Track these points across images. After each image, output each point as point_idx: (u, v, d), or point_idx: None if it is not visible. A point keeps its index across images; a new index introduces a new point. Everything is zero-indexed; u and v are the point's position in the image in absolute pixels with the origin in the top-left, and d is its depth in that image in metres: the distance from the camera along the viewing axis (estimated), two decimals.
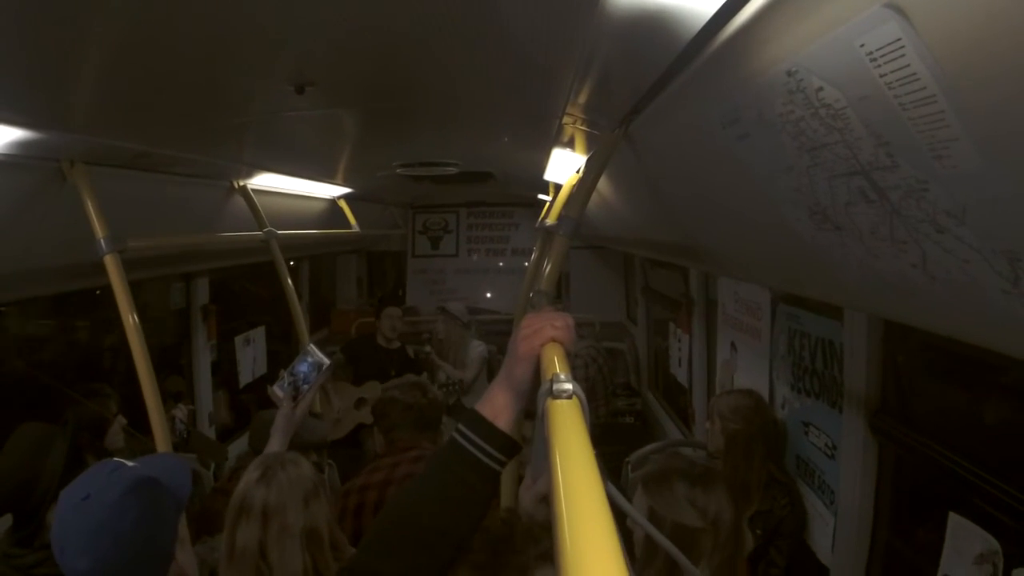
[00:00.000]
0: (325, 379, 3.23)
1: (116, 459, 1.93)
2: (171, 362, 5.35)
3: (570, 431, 1.01)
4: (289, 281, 4.94)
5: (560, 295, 8.43)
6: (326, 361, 3.17)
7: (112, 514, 1.74)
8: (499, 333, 7.33)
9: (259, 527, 2.25)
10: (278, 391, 3.09)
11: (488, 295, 9.09)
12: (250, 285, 7.13)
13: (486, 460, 1.48)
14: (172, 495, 1.90)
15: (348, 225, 6.60)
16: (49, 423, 3.23)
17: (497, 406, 1.52)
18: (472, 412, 1.54)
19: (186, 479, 1.98)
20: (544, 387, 1.18)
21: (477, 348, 6.96)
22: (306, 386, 3.09)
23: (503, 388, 1.53)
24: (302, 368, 3.13)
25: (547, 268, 2.70)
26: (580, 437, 0.98)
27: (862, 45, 0.90)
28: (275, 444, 2.92)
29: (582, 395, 1.16)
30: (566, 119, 2.68)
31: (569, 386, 1.15)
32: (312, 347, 3.24)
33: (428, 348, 6.84)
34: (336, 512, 3.01)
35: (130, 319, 2.86)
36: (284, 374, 3.17)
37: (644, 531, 1.62)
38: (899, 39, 0.83)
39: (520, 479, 3.19)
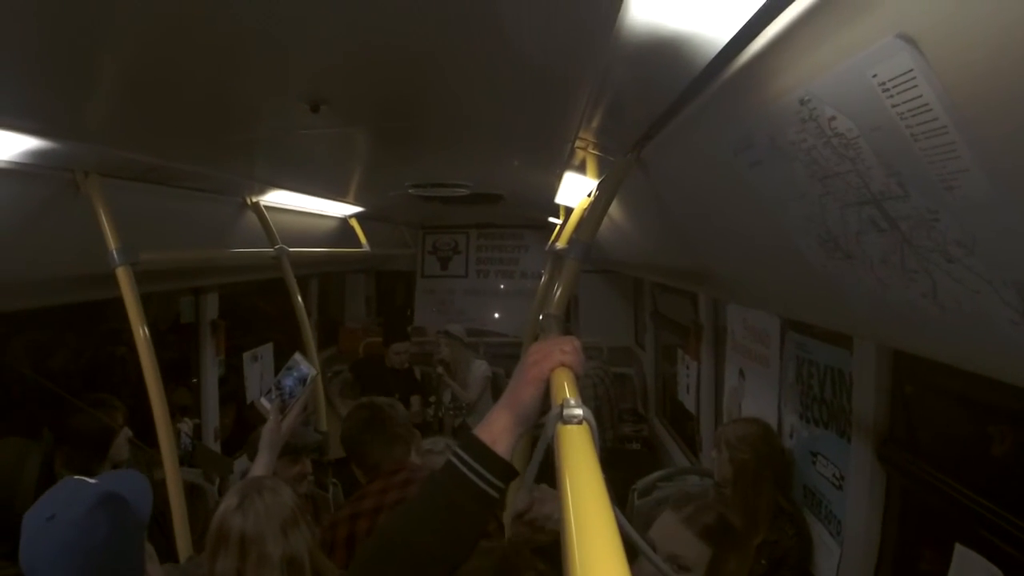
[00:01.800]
0: (311, 389, 3.14)
1: (77, 477, 1.90)
2: (175, 376, 5.35)
3: (580, 457, 1.01)
4: (299, 298, 4.95)
5: (569, 319, 8.42)
6: (312, 372, 3.08)
7: (80, 532, 1.71)
8: (507, 356, 7.32)
9: (237, 557, 2.20)
10: (265, 403, 3.01)
11: (496, 317, 9.08)
12: (259, 301, 7.14)
13: (482, 485, 1.46)
14: (135, 511, 1.86)
15: (358, 244, 6.62)
16: (34, 436, 3.25)
17: (496, 430, 1.50)
18: (470, 436, 1.52)
19: (147, 495, 1.92)
20: (554, 412, 1.18)
21: (480, 368, 6.96)
22: (292, 399, 3.00)
23: (505, 412, 1.52)
24: (287, 382, 3.04)
25: (557, 291, 2.69)
26: (590, 463, 0.98)
27: (875, 75, 0.90)
28: (262, 459, 2.85)
29: (592, 421, 1.16)
30: (578, 143, 2.69)
31: (579, 411, 1.15)
32: (298, 357, 3.15)
33: (440, 369, 6.84)
34: (327, 544, 2.92)
35: (140, 331, 2.86)
36: (271, 386, 3.09)
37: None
38: (911, 70, 0.84)
39: None
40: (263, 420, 2.99)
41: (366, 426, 3.21)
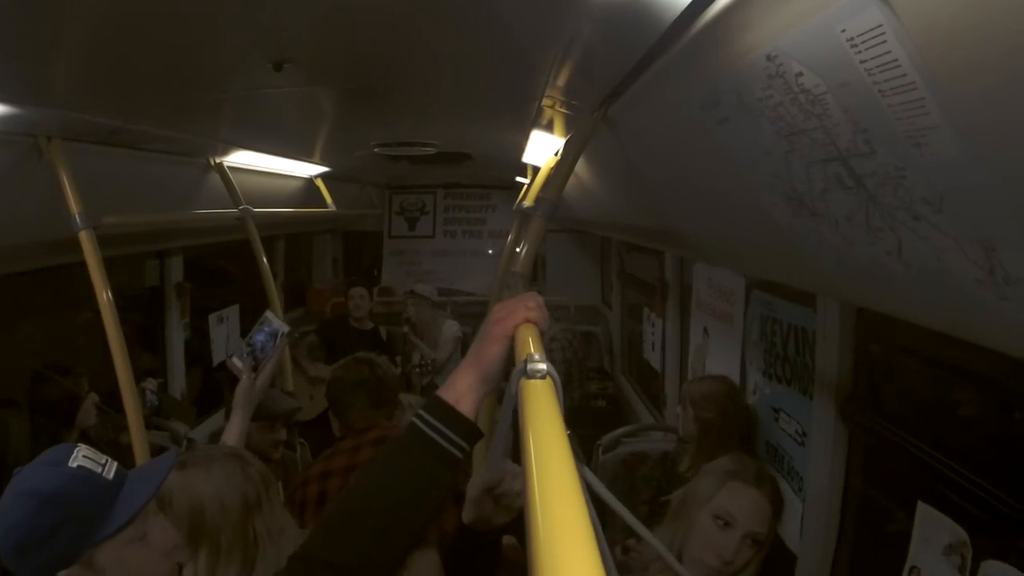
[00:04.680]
0: (284, 347, 3.10)
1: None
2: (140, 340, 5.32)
3: (544, 412, 1.01)
4: (264, 260, 4.92)
5: (536, 278, 8.42)
6: (284, 328, 3.03)
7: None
8: (475, 315, 7.32)
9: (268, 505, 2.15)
10: (237, 362, 2.95)
11: (464, 276, 9.06)
12: (225, 263, 7.09)
13: (446, 445, 1.46)
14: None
15: (324, 204, 6.58)
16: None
17: (460, 389, 1.50)
18: (434, 396, 1.52)
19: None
20: (518, 367, 1.18)
21: (451, 328, 6.97)
22: (264, 357, 2.95)
23: (469, 370, 1.52)
24: (259, 338, 2.99)
25: (523, 250, 2.69)
26: (554, 418, 0.98)
27: (843, 31, 0.90)
28: (236, 418, 2.81)
29: (556, 376, 1.16)
30: (545, 101, 2.68)
31: (543, 366, 1.15)
32: (269, 314, 3.11)
33: (406, 328, 6.83)
34: (297, 502, 2.94)
35: (104, 296, 2.84)
36: (243, 344, 3.04)
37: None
38: (880, 25, 0.84)
39: None
40: (230, 382, 2.96)
41: (362, 383, 3.21)
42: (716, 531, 2.27)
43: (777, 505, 2.31)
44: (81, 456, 1.74)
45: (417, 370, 6.72)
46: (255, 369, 2.90)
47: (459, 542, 1.94)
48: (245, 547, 2.10)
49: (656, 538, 2.26)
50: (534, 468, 0.83)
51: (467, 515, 1.94)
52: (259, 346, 2.95)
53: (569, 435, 0.92)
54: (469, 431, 1.49)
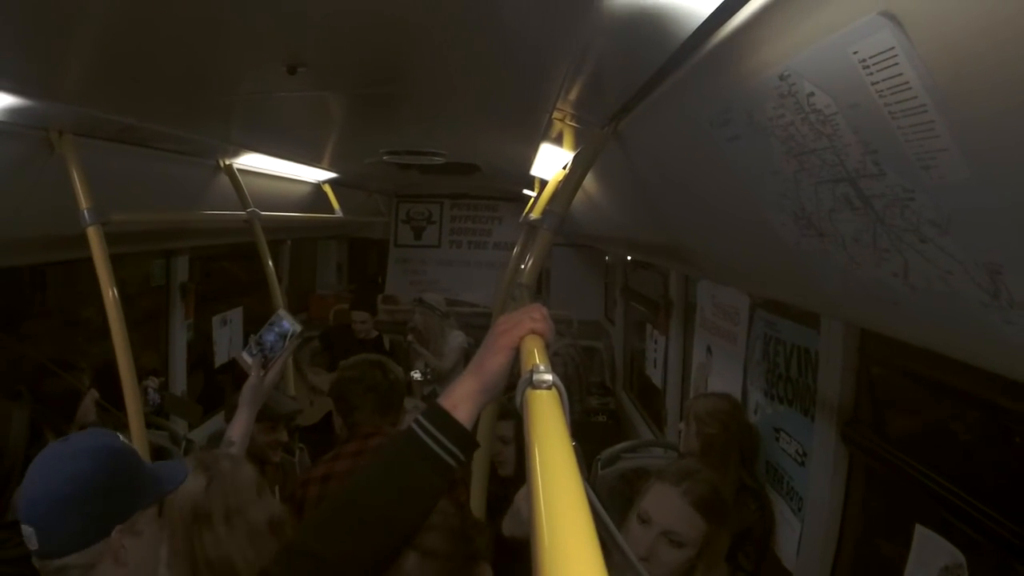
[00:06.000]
0: (295, 347, 3.10)
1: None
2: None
3: (549, 422, 1.01)
4: (270, 263, 4.93)
5: (540, 291, 8.42)
6: (296, 328, 3.02)
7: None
8: (478, 326, 7.33)
9: (226, 531, 2.10)
10: (247, 357, 2.96)
11: (468, 287, 9.06)
12: (230, 266, 7.10)
13: (438, 451, 1.47)
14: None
15: (331, 210, 6.58)
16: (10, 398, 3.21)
17: (458, 397, 1.51)
18: (432, 403, 1.53)
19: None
20: (524, 378, 1.18)
21: (456, 338, 6.96)
22: (273, 355, 2.95)
23: (470, 378, 1.53)
24: (269, 338, 2.99)
25: (529, 262, 2.70)
26: (559, 428, 0.98)
27: (855, 52, 0.91)
28: (242, 416, 2.81)
29: (561, 387, 1.16)
30: (556, 114, 2.68)
31: (549, 377, 1.15)
32: (282, 312, 3.10)
33: (411, 337, 6.83)
34: (296, 502, 2.93)
35: (110, 293, 2.84)
36: (252, 340, 3.04)
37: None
38: (892, 48, 0.84)
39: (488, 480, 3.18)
40: (235, 383, 2.96)
41: (374, 387, 3.23)
42: (637, 528, 2.30)
43: (704, 508, 2.31)
44: (125, 438, 1.84)
45: (417, 375, 6.73)
46: (264, 367, 2.90)
47: (507, 556, 1.95)
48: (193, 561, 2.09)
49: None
50: (539, 478, 0.84)
51: (512, 529, 1.95)
52: (269, 345, 2.95)
53: (575, 447, 0.93)
54: (463, 438, 1.50)
